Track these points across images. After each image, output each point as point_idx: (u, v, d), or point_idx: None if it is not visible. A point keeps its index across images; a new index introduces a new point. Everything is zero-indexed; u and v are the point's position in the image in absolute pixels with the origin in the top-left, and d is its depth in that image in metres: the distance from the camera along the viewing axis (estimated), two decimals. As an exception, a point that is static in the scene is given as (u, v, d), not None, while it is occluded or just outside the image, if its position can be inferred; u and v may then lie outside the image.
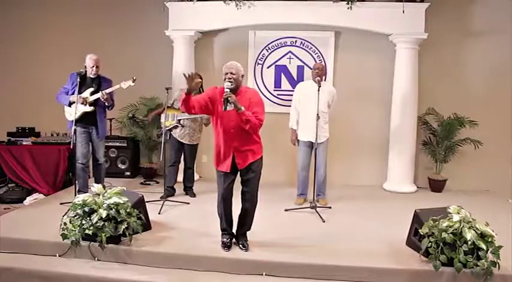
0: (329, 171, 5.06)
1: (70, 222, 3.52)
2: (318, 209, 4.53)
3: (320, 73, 4.74)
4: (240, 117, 3.25)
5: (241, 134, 3.35)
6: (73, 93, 4.58)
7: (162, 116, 5.00)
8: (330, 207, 4.78)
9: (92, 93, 4.64)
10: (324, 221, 4.30)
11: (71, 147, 4.55)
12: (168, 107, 4.83)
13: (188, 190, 5.23)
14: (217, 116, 3.39)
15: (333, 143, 5.27)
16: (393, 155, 5.69)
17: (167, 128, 4.86)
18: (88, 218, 3.45)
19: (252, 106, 3.32)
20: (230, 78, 3.31)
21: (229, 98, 3.20)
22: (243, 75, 3.42)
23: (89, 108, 4.65)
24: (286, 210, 4.64)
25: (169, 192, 5.07)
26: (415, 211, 3.55)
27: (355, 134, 5.98)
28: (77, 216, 3.49)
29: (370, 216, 4.53)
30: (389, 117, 5.70)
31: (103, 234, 3.38)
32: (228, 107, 3.23)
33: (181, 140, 4.99)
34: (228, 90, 3.26)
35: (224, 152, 3.42)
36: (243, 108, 3.24)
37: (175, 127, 4.93)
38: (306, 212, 4.57)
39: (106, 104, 4.69)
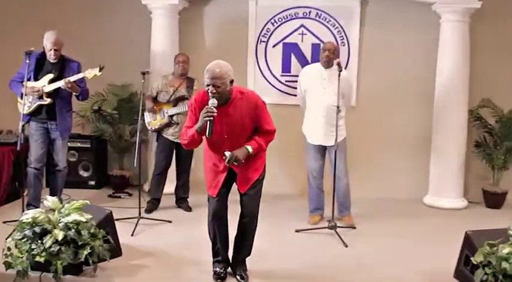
0: (353, 181, 5.03)
1: (16, 246, 3.49)
2: (338, 229, 4.52)
3: (331, 56, 4.68)
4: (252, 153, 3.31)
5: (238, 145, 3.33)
6: (29, 80, 4.55)
7: (147, 114, 5.14)
8: (355, 228, 4.78)
9: (52, 81, 4.62)
10: (346, 246, 4.31)
11: (18, 148, 4.52)
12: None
13: (182, 202, 5.29)
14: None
15: (358, 145, 5.25)
16: (436, 160, 5.68)
17: (154, 128, 5.11)
18: (39, 241, 3.41)
19: (255, 120, 3.34)
20: (215, 93, 3.18)
21: (235, 162, 3.24)
22: (232, 80, 3.26)
23: (45, 101, 4.64)
24: (297, 231, 4.65)
25: (155, 205, 5.17)
26: (466, 233, 3.55)
27: (387, 134, 5.97)
28: (25, 239, 3.46)
29: (407, 240, 4.52)
30: (432, 112, 5.70)
31: (59, 262, 3.36)
32: (229, 163, 3.26)
33: (175, 140, 5.05)
34: (215, 108, 3.15)
35: (216, 170, 3.42)
36: (250, 149, 3.29)
37: (167, 126, 5.05)
38: (323, 234, 4.57)
39: (74, 93, 4.69)
